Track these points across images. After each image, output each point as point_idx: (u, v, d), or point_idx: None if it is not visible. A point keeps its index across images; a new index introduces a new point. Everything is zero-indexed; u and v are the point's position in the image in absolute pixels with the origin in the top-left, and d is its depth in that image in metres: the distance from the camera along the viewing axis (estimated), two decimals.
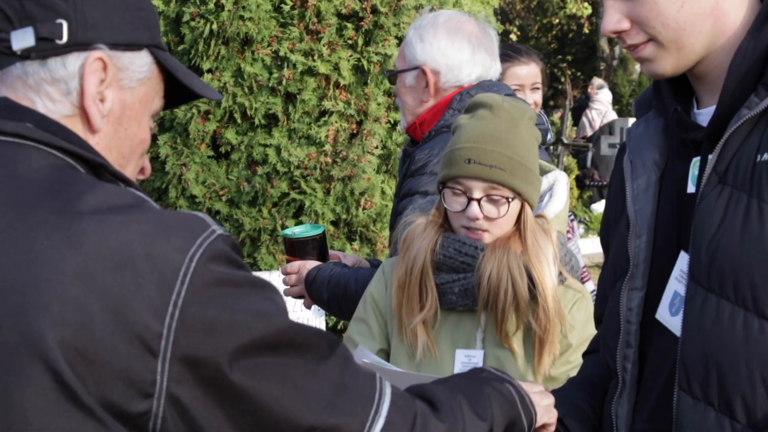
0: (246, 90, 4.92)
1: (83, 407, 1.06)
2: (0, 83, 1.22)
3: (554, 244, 2.08)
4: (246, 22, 4.86)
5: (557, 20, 16.79)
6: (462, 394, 1.40)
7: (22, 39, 1.19)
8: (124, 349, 1.06)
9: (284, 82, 4.86)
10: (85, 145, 1.21)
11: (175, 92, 1.37)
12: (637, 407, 1.50)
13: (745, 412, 1.31)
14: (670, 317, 1.42)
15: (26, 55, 1.19)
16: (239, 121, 4.97)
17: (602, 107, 13.71)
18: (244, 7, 4.86)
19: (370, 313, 2.20)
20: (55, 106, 1.21)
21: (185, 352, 1.08)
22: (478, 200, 2.03)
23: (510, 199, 2.03)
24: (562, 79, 17.92)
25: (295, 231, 2.52)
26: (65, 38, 1.19)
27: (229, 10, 4.84)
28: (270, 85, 4.90)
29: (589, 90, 14.35)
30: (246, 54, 4.95)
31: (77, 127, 1.23)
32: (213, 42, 4.92)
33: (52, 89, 1.20)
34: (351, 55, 4.91)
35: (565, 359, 2.09)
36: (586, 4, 14.06)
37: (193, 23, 4.91)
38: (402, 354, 2.13)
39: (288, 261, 2.51)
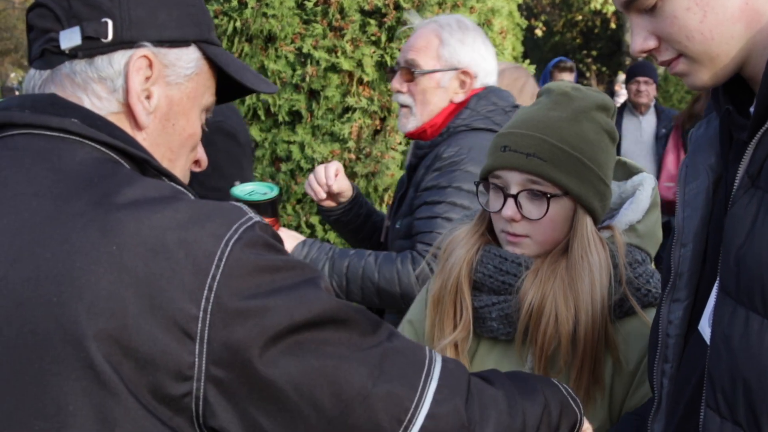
0: None
1: (116, 392, 1.06)
2: (50, 82, 1.24)
3: (608, 263, 1.65)
4: (269, 19, 4.83)
5: (582, 16, 16.61)
6: (509, 378, 1.37)
7: (70, 38, 1.21)
8: (159, 333, 1.06)
9: (308, 79, 4.83)
10: (130, 140, 1.22)
11: (229, 86, 1.36)
12: (667, 421, 1.39)
13: None
14: (708, 329, 1.31)
15: (74, 54, 1.21)
16: (263, 117, 4.93)
17: None
18: (267, 5, 4.82)
19: (405, 334, 1.85)
20: (102, 103, 1.22)
21: (224, 335, 1.08)
22: (515, 196, 1.66)
23: (549, 196, 1.64)
24: (587, 75, 17.74)
25: (246, 190, 2.28)
26: (110, 37, 1.21)
27: (252, 8, 4.81)
28: (293, 81, 4.86)
29: (615, 86, 14.16)
30: (269, 51, 4.92)
31: (124, 124, 1.24)
32: (236, 39, 4.89)
33: (99, 87, 1.22)
34: (374, 52, 4.86)
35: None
36: (611, 0, 13.94)
37: (216, 21, 4.89)
38: None
39: None
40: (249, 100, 4.86)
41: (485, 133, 2.51)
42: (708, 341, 1.29)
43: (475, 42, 2.56)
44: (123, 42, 1.21)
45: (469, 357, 1.76)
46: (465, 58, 2.53)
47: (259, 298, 1.10)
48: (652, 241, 1.78)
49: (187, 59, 1.28)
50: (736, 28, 1.25)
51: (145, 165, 1.21)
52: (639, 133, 6.87)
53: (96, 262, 1.06)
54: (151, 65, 1.24)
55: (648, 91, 6.92)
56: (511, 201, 1.66)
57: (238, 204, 1.16)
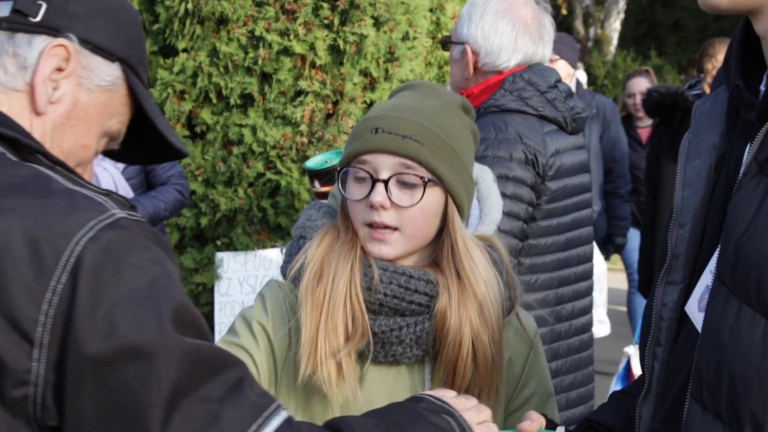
0: (221, 70, 4.80)
1: None
2: None
3: (494, 271, 1.56)
4: (221, 1, 4.73)
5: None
6: (388, 428, 1.24)
7: (0, 8, 1.20)
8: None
9: (260, 62, 4.73)
10: (5, 119, 1.18)
11: (145, 141, 1.35)
12: (656, 407, 1.32)
13: None
14: (697, 312, 1.24)
15: None
16: (214, 101, 4.84)
17: None
18: None
19: (257, 341, 1.56)
20: (7, 77, 1.20)
21: (64, 341, 1.03)
22: (385, 182, 1.49)
23: (426, 180, 1.49)
24: None
25: (318, 160, 2.36)
26: (39, 18, 1.20)
27: None
28: (245, 64, 4.77)
29: None
30: (221, 33, 4.82)
31: (23, 104, 1.21)
32: (188, 21, 4.79)
33: (10, 61, 1.20)
34: (327, 35, 4.77)
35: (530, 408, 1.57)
36: None
37: (168, 2, 4.79)
38: (308, 392, 1.53)
39: (315, 195, 2.39)
40: (201, 82, 4.77)
41: (516, 115, 2.40)
42: (695, 323, 1.23)
43: (482, 17, 2.44)
44: (49, 27, 1.21)
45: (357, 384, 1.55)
46: (467, 33, 2.47)
47: (101, 310, 1.04)
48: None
49: (107, 71, 1.27)
50: None
51: (15, 143, 1.16)
52: None
53: None
54: (68, 59, 1.22)
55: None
56: (380, 186, 1.49)
57: (102, 199, 1.11)
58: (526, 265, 2.42)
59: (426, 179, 1.50)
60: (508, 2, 2.46)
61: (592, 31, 16.17)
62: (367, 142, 1.50)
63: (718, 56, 4.44)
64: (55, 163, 1.17)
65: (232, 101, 4.78)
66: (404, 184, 1.50)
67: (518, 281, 1.63)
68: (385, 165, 1.50)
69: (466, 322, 1.50)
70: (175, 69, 4.83)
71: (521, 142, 2.35)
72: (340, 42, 4.74)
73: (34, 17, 1.20)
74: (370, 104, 4.83)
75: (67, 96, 1.24)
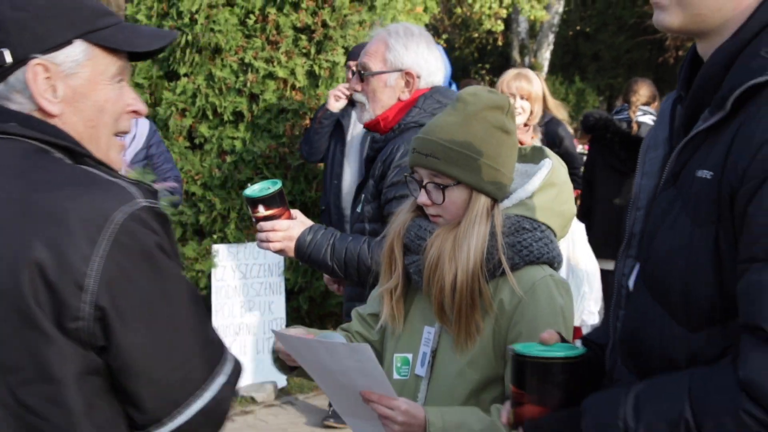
0: (216, 91, 5.05)
1: (40, 328, 1.24)
2: None
3: (484, 234, 1.84)
4: (216, 33, 5.00)
5: (477, 35, 17.20)
6: None
7: None
8: (61, 285, 1.23)
9: (249, 85, 5.02)
10: (60, 133, 1.35)
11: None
12: (612, 363, 1.42)
13: None
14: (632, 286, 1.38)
15: None
16: (211, 117, 5.09)
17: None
18: (214, 21, 5.01)
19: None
20: (23, 107, 1.35)
21: (104, 290, 1.25)
22: (424, 186, 1.89)
23: (443, 186, 1.86)
24: (481, 84, 18.28)
25: (256, 189, 2.43)
26: (9, 61, 1.33)
27: (201, 24, 4.99)
28: (237, 87, 5.05)
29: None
30: (216, 61, 5.08)
31: (45, 117, 1.36)
32: (188, 51, 5.04)
33: (18, 96, 1.35)
34: (305, 62, 5.07)
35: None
36: (499, 22, 14.53)
37: None
38: None
39: (256, 219, 2.45)
40: (199, 102, 5.03)
41: None
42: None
43: (418, 46, 2.60)
44: (19, 61, 1.32)
45: (409, 302, 1.98)
46: (408, 60, 2.59)
47: (124, 275, 1.25)
48: (547, 214, 1.92)
49: (74, 53, 1.34)
50: (728, 2, 1.20)
51: (69, 150, 1.34)
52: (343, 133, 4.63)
53: (23, 234, 1.24)
54: (46, 68, 1.32)
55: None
56: (423, 191, 1.90)
57: (131, 188, 1.29)
58: None
59: (443, 186, 1.87)
60: (425, 34, 2.68)
61: (527, 59, 16.78)
62: (410, 159, 1.93)
63: (640, 91, 5.18)
64: (99, 163, 1.36)
65: (225, 118, 5.05)
66: (436, 188, 1.88)
67: (531, 243, 1.88)
68: (424, 174, 1.90)
69: (441, 259, 1.85)
70: (178, 91, 5.07)
71: None
72: (316, 68, 5.05)
73: (5, 63, 1.31)
74: None
75: (65, 89, 1.34)
